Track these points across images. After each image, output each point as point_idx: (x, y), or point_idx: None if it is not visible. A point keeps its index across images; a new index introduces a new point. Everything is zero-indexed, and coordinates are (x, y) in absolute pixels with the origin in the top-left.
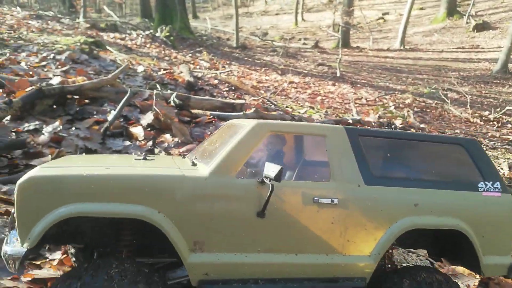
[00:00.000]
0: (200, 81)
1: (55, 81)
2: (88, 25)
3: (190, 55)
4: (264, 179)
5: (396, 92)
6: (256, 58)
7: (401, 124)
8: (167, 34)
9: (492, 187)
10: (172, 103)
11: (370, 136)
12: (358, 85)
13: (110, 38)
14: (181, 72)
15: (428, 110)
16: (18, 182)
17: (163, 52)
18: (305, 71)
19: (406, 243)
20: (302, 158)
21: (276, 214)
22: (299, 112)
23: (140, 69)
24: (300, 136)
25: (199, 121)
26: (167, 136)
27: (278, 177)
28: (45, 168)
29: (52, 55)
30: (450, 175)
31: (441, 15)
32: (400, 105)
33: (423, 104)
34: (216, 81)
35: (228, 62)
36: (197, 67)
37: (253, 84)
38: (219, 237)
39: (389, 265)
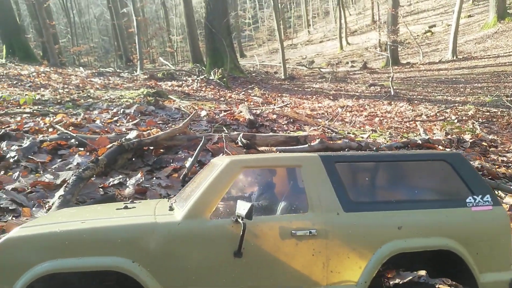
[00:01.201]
0: (259, 118)
1: (132, 135)
2: (146, 76)
3: (243, 93)
4: (237, 218)
5: (457, 105)
6: (305, 87)
7: (470, 138)
8: (220, 76)
9: (481, 201)
10: (239, 143)
11: (347, 161)
12: (415, 102)
13: (168, 87)
14: (241, 112)
15: (494, 120)
16: None
17: (218, 93)
18: (357, 93)
19: (403, 265)
20: (279, 191)
21: (254, 252)
22: (362, 137)
23: (203, 113)
24: (275, 169)
25: None
26: None
27: (249, 214)
28: (23, 228)
29: (122, 110)
30: (436, 193)
31: (491, 20)
32: (464, 118)
33: (488, 113)
34: (274, 116)
35: (279, 94)
36: (251, 103)
37: (307, 113)
38: (197, 281)
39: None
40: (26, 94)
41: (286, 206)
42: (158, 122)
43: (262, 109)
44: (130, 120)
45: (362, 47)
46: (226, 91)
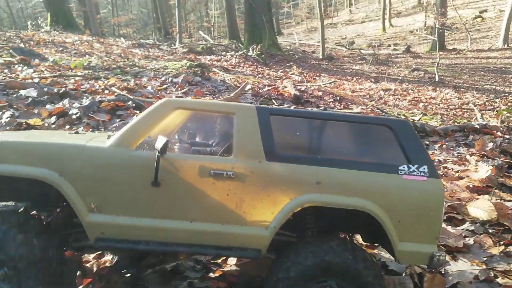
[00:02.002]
0: (305, 94)
1: None
2: (185, 50)
3: (281, 70)
4: (154, 150)
5: (507, 95)
6: (345, 68)
7: None
8: (259, 52)
9: (416, 170)
10: None
11: (282, 115)
12: (462, 89)
13: (207, 61)
14: (285, 87)
15: None
16: None
17: (256, 70)
18: (400, 78)
19: (340, 227)
20: (209, 134)
21: (172, 184)
22: (413, 120)
23: (247, 87)
24: (210, 114)
25: None
26: None
27: (163, 149)
28: None
29: (170, 79)
30: (368, 156)
31: None
32: None
33: None
34: (320, 93)
35: (317, 74)
36: (285, 78)
37: (342, 93)
38: (115, 202)
39: None
40: (74, 59)
41: (204, 146)
42: (205, 93)
43: (307, 85)
44: (179, 88)
45: (406, 29)
46: (264, 67)
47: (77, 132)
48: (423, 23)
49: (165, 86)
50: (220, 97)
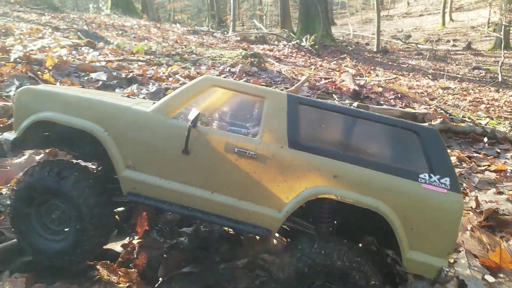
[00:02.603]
0: (364, 89)
1: None
2: (238, 38)
3: (334, 62)
4: (188, 121)
5: None
6: (400, 62)
7: None
8: (312, 43)
9: (437, 181)
10: None
11: (311, 105)
12: None
13: (260, 50)
14: (343, 81)
15: None
16: (18, 89)
17: (308, 60)
18: (459, 76)
19: (355, 226)
20: (240, 114)
21: (200, 155)
22: (480, 123)
23: (303, 79)
24: (242, 94)
25: None
26: None
27: (194, 121)
28: (42, 85)
29: (228, 68)
30: (389, 159)
31: None
32: None
33: None
34: (380, 89)
35: (372, 67)
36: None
37: (403, 90)
38: (149, 162)
39: None
40: (135, 44)
41: (241, 127)
42: (262, 84)
43: (366, 80)
44: (237, 78)
45: (467, 25)
46: (317, 58)
47: (128, 96)
48: (486, 19)
49: (223, 75)
50: (277, 88)
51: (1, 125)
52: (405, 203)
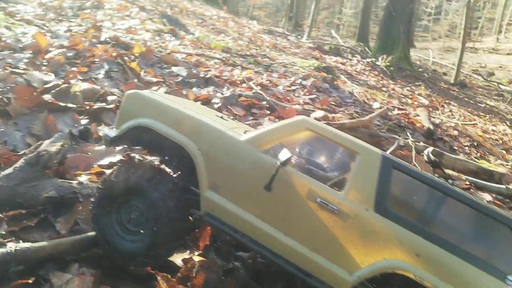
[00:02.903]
0: (438, 129)
1: (319, 114)
2: (311, 45)
3: (408, 88)
4: (276, 160)
5: None
6: (477, 100)
7: None
8: (388, 63)
9: None
10: (426, 158)
11: (405, 173)
12: None
13: (332, 62)
14: (417, 115)
15: None
16: (128, 92)
17: (381, 81)
18: None
19: None
20: (330, 162)
21: (280, 194)
22: None
23: (375, 105)
24: (335, 144)
25: (456, 185)
26: None
27: (285, 163)
28: (149, 92)
29: (299, 80)
30: (477, 249)
31: None
32: None
33: None
34: (455, 132)
35: (446, 100)
36: (415, 102)
37: (477, 133)
38: (232, 189)
39: None
40: (213, 38)
41: (328, 176)
42: (331, 103)
43: (442, 120)
44: (307, 93)
45: None
46: (390, 81)
47: (222, 117)
48: None
49: (294, 87)
50: (346, 110)
51: (88, 108)
52: None
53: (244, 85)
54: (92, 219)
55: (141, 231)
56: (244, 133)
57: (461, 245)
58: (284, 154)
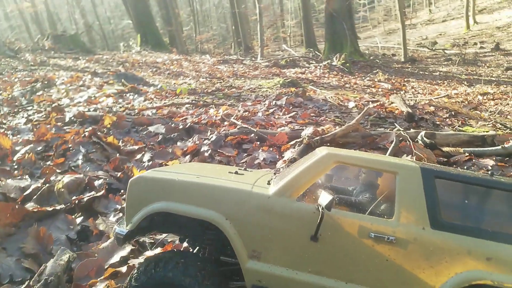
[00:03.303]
0: (416, 110)
1: (309, 131)
2: (267, 64)
3: (368, 78)
4: (318, 206)
5: None
6: (431, 70)
7: None
8: (343, 61)
9: None
10: (421, 143)
11: (449, 179)
12: None
13: (292, 74)
14: (392, 103)
15: None
16: (130, 179)
17: (342, 79)
18: (494, 78)
19: None
20: (369, 191)
21: (330, 241)
22: None
23: (350, 105)
24: (370, 169)
25: (457, 161)
26: None
27: (329, 206)
28: (152, 171)
29: (273, 102)
30: None
31: None
32: None
33: None
34: (431, 108)
35: (405, 79)
36: (379, 89)
37: (444, 100)
38: (274, 251)
39: None
40: (174, 83)
41: (374, 208)
42: (311, 115)
43: (416, 100)
44: (286, 112)
45: (492, 26)
46: (350, 76)
47: (236, 172)
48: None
49: (271, 110)
50: (327, 119)
51: (77, 202)
52: None
53: (225, 123)
54: None
55: None
56: (268, 183)
57: None
58: (325, 198)
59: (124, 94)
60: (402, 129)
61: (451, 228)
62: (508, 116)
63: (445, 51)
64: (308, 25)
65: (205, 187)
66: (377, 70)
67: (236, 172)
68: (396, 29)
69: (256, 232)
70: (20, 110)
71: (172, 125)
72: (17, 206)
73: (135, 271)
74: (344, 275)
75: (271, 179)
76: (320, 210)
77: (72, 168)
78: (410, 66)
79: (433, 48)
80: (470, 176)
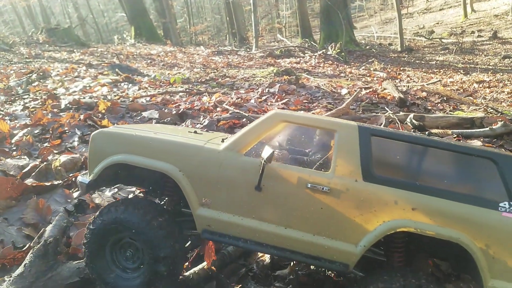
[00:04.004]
0: (408, 96)
1: None
2: (261, 54)
3: (363, 67)
4: (260, 159)
5: None
6: (427, 59)
7: None
8: (338, 50)
9: None
10: (409, 125)
11: (384, 136)
12: None
13: (287, 64)
14: (385, 89)
15: None
16: (92, 133)
17: (337, 69)
18: (490, 67)
19: (428, 252)
20: (307, 143)
21: (272, 191)
22: None
23: (343, 91)
24: (312, 128)
25: None
26: None
27: (269, 158)
28: (113, 127)
29: (267, 89)
30: (466, 188)
31: None
32: None
33: None
34: (424, 94)
35: (400, 68)
36: (374, 78)
37: (438, 88)
38: (223, 199)
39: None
40: (168, 73)
41: (302, 154)
42: (304, 101)
43: (408, 86)
44: (279, 99)
45: (490, 14)
46: (345, 66)
47: (195, 132)
48: (510, 6)
49: (264, 97)
50: (319, 105)
51: (74, 179)
52: (486, 233)
53: (218, 109)
54: (87, 266)
55: (141, 266)
56: (222, 141)
57: (451, 188)
58: (266, 151)
59: (119, 84)
60: (391, 112)
61: (381, 181)
62: (503, 103)
63: (442, 40)
64: (304, 15)
65: (161, 142)
66: (373, 59)
67: (195, 132)
68: (393, 18)
69: (207, 183)
70: (16, 98)
71: (166, 110)
72: (17, 181)
73: (97, 213)
74: (284, 221)
75: (226, 138)
76: (262, 162)
77: (69, 148)
78: (406, 56)
79: (430, 37)
80: (405, 134)
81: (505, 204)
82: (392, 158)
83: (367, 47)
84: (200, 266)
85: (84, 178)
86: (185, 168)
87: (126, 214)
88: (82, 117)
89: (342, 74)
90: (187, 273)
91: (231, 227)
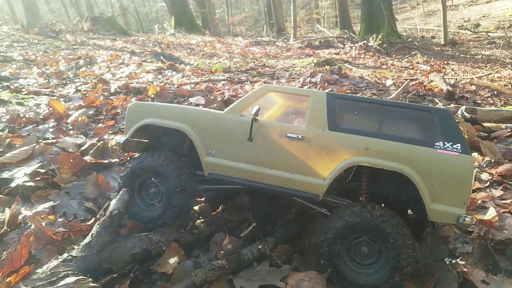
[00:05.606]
0: (457, 89)
1: None
2: (300, 45)
3: (406, 60)
4: (252, 115)
5: None
6: (472, 53)
7: None
8: (380, 42)
9: (450, 147)
10: (460, 117)
11: (345, 99)
12: None
13: (326, 54)
14: (432, 81)
15: None
16: (128, 105)
17: (378, 60)
18: None
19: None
20: (291, 109)
21: (261, 141)
22: None
23: (388, 82)
24: (293, 95)
25: (498, 136)
26: (475, 155)
27: (256, 113)
28: (141, 101)
29: (308, 79)
30: (411, 133)
31: None
32: None
33: None
34: (473, 87)
35: (444, 61)
36: (417, 71)
37: (486, 83)
38: (224, 149)
39: None
40: (209, 62)
41: (292, 119)
42: (347, 92)
43: (456, 79)
44: (321, 89)
45: None
46: (387, 58)
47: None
48: None
49: (306, 86)
50: (364, 95)
51: (130, 158)
52: (424, 165)
53: None
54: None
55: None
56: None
57: (397, 133)
58: (253, 109)
59: (163, 71)
60: (442, 104)
61: (342, 130)
62: None
63: (489, 33)
64: (343, 5)
65: (178, 108)
66: (415, 52)
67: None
68: (436, 10)
69: (212, 137)
70: (68, 82)
71: (211, 97)
72: (77, 158)
73: (141, 155)
74: (269, 164)
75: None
76: (251, 117)
77: (122, 130)
78: (450, 49)
79: (476, 31)
80: (363, 98)
81: (439, 144)
82: (353, 115)
83: (409, 39)
84: (255, 246)
85: (121, 137)
86: (196, 126)
87: (150, 161)
88: (133, 100)
89: (383, 66)
90: (243, 251)
91: (230, 170)
